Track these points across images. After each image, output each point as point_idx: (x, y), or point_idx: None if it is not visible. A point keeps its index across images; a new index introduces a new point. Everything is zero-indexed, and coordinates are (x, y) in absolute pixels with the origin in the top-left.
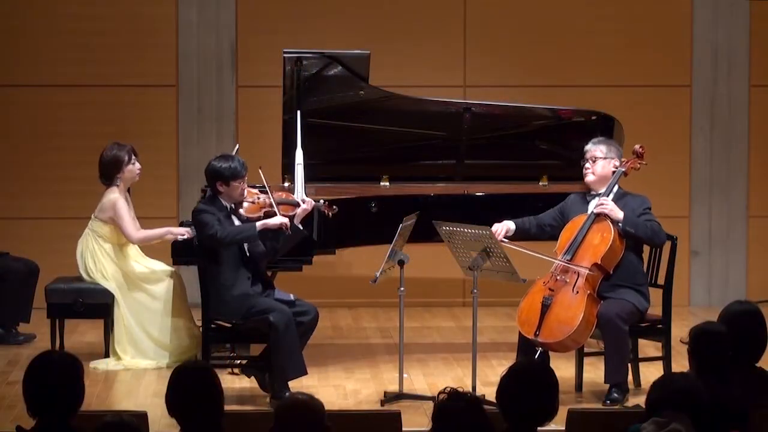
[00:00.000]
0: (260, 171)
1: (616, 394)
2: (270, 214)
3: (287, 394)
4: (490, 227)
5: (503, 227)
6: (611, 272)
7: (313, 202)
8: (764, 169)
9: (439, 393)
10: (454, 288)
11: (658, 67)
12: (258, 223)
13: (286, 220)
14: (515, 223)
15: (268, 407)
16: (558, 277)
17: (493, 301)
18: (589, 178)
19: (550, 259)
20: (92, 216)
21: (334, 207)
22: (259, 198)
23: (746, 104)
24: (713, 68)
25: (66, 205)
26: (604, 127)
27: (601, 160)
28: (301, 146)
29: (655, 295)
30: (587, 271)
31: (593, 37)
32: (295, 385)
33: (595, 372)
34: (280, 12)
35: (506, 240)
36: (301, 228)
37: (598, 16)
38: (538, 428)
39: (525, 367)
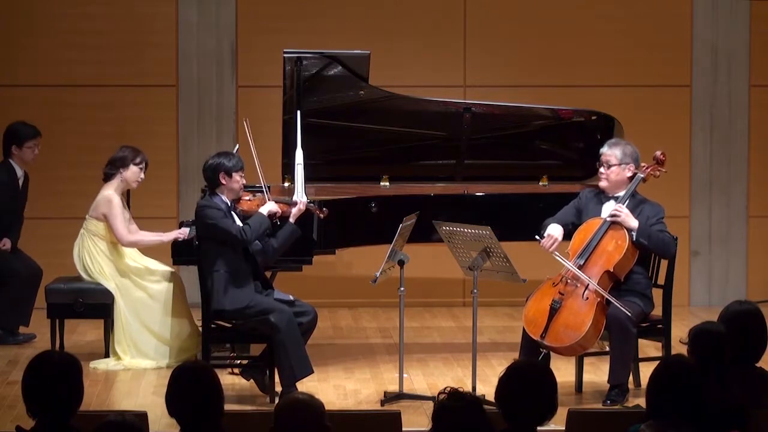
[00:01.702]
0: (245, 122)
1: (616, 395)
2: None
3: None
4: (489, 227)
5: (555, 239)
6: (622, 280)
7: (306, 202)
8: (764, 169)
9: (439, 393)
10: (454, 288)
11: (658, 67)
12: (263, 211)
13: (276, 208)
14: (560, 224)
15: (268, 407)
16: (569, 281)
17: (493, 301)
18: (603, 184)
19: (565, 263)
20: (86, 216)
21: (325, 209)
22: (255, 195)
23: (746, 104)
24: (713, 68)
25: (66, 205)
26: (604, 127)
27: (615, 167)
28: (301, 146)
29: (656, 295)
30: (596, 287)
31: (593, 37)
32: (298, 384)
33: (595, 372)
34: (280, 12)
35: (558, 254)
36: (297, 227)
37: (598, 16)
38: (538, 428)
39: (523, 367)
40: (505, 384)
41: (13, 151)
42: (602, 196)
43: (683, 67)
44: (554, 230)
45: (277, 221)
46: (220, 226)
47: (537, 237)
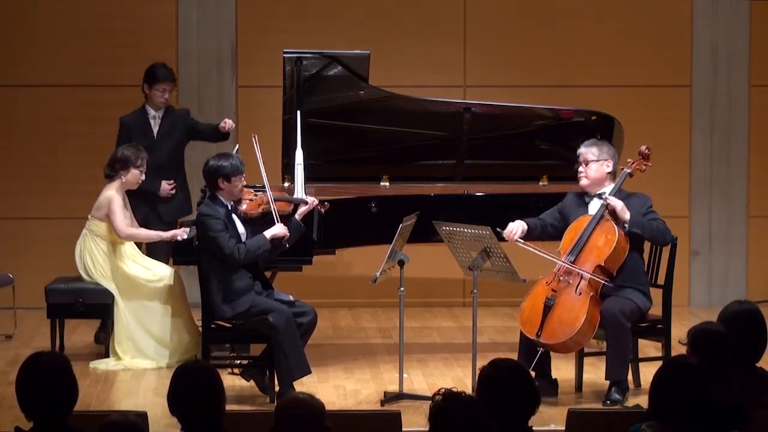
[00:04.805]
0: (254, 138)
1: (616, 394)
2: (267, 212)
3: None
4: (490, 227)
5: (519, 227)
6: (615, 274)
7: (316, 201)
8: (764, 169)
9: (435, 394)
10: (454, 288)
11: (658, 67)
12: (267, 234)
13: (286, 230)
14: (528, 223)
15: (268, 407)
16: (561, 278)
17: (493, 301)
18: (583, 182)
19: (554, 259)
20: (89, 216)
21: (326, 203)
22: (257, 195)
23: (746, 104)
24: (713, 68)
25: (66, 205)
26: (604, 127)
27: (593, 163)
28: (301, 146)
29: (655, 295)
30: (590, 276)
31: (593, 37)
32: (297, 384)
33: (595, 372)
34: (280, 12)
35: (521, 241)
36: (302, 225)
37: (598, 16)
38: (537, 428)
39: (490, 373)
40: (480, 393)
41: (145, 90)
42: (585, 196)
43: (683, 67)
44: (515, 224)
45: (285, 243)
46: (216, 242)
47: (498, 229)
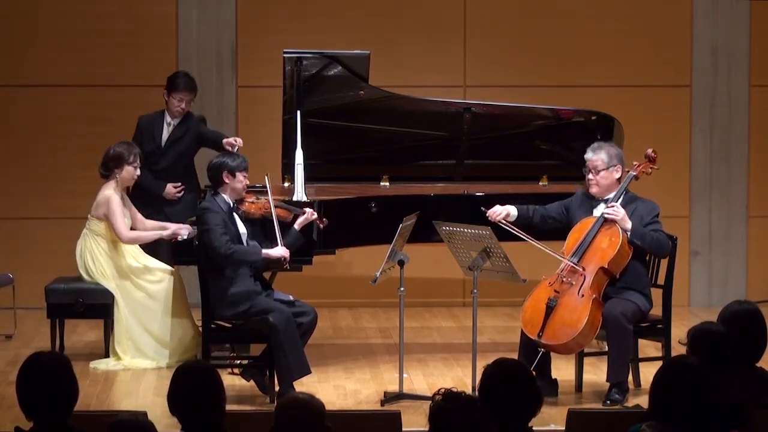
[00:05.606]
0: (266, 178)
1: (616, 395)
2: (267, 217)
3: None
4: (490, 227)
5: (504, 210)
6: (617, 276)
7: (315, 213)
8: (764, 169)
9: (434, 394)
10: (454, 288)
11: (658, 67)
12: (262, 252)
13: (287, 254)
14: (518, 209)
15: (268, 407)
16: (564, 279)
17: (493, 301)
18: (593, 189)
19: (556, 255)
20: (88, 215)
21: (324, 219)
22: (258, 199)
23: (746, 104)
24: (713, 68)
25: (66, 205)
26: (604, 127)
27: (603, 171)
28: (301, 146)
29: (655, 295)
30: (592, 276)
31: (593, 37)
32: (297, 384)
33: (595, 372)
34: (280, 12)
35: (504, 222)
36: (302, 235)
37: (598, 16)
38: (537, 428)
39: (493, 373)
40: (483, 392)
41: (165, 96)
42: (593, 199)
43: (683, 67)
44: (502, 207)
45: (286, 265)
46: (208, 235)
47: (482, 208)
